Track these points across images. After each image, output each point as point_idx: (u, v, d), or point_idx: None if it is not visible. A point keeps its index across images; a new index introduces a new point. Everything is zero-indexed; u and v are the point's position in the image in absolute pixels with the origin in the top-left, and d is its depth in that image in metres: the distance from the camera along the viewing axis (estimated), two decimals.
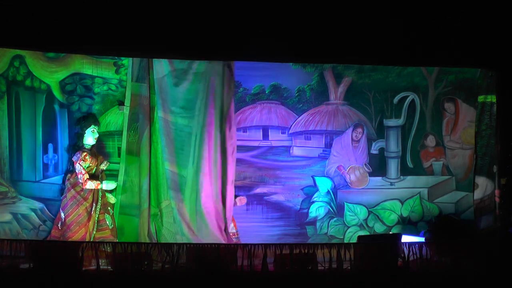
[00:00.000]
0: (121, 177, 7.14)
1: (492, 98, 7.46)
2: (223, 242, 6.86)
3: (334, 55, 6.79)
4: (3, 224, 6.95)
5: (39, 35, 6.26)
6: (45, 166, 7.20)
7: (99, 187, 6.76)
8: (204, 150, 7.04)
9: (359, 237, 6.95)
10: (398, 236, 6.78)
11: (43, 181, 7.19)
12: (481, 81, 7.57)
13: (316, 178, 7.61)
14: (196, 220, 7.00)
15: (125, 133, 7.19)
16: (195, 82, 7.11)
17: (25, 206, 7.06)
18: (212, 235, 6.93)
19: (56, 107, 7.21)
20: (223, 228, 7.01)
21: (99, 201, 6.79)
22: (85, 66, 7.22)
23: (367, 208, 7.59)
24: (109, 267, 6.15)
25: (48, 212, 7.08)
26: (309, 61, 7.32)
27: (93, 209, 6.74)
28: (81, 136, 6.86)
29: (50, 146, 7.20)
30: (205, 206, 7.00)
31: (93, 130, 6.89)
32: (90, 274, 6.09)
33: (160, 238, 7.15)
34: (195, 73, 7.10)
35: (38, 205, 7.09)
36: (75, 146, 6.85)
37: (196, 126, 7.08)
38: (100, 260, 6.15)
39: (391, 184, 7.66)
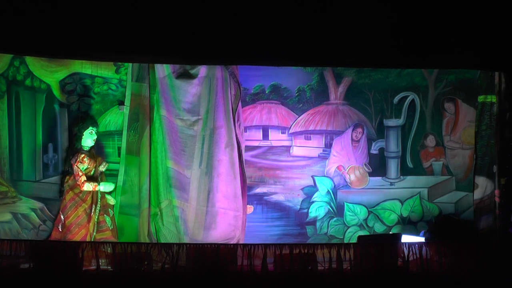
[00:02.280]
0: (121, 177, 7.14)
1: (492, 98, 7.45)
2: (235, 240, 6.97)
3: (334, 57, 6.77)
4: (3, 224, 6.96)
5: (39, 40, 6.26)
6: (45, 166, 7.20)
7: (96, 189, 6.77)
8: (217, 152, 7.09)
9: (359, 237, 6.95)
10: (398, 236, 6.79)
11: (43, 181, 7.19)
12: (481, 81, 7.56)
13: (316, 178, 7.61)
14: (206, 220, 7.05)
15: (125, 133, 7.20)
16: (198, 85, 7.14)
17: (25, 206, 7.07)
18: (222, 234, 7.01)
19: (56, 107, 7.21)
20: (239, 225, 7.08)
21: (99, 202, 6.80)
22: (85, 66, 7.22)
23: (367, 208, 7.59)
24: (109, 267, 6.16)
25: (48, 212, 7.09)
26: (309, 64, 7.30)
27: (93, 210, 6.75)
28: (79, 137, 6.86)
29: (50, 146, 7.20)
30: (222, 206, 7.07)
31: (91, 132, 6.90)
32: (90, 274, 6.10)
33: (160, 238, 7.15)
34: (197, 76, 7.14)
35: (38, 205, 7.10)
36: (73, 147, 6.85)
37: (204, 129, 7.13)
38: (100, 260, 6.16)
39: (391, 184, 7.66)
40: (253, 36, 6.37)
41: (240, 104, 7.27)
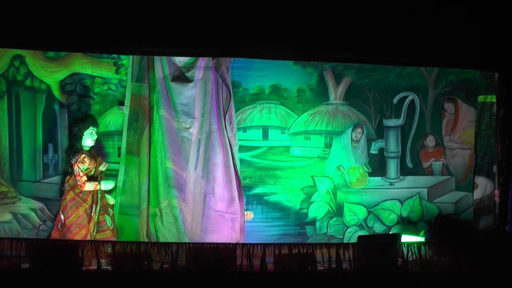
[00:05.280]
0: (120, 177, 7.15)
1: (492, 98, 7.46)
2: (233, 241, 6.94)
3: (333, 54, 6.77)
4: (3, 224, 6.98)
5: (38, 34, 6.27)
6: (45, 166, 7.21)
7: (97, 188, 6.76)
8: (212, 156, 7.10)
9: (359, 237, 6.95)
10: (397, 236, 6.78)
11: (43, 181, 7.21)
12: (481, 81, 7.57)
13: (316, 178, 7.61)
14: (202, 223, 7.05)
15: (125, 133, 7.20)
16: (193, 88, 7.14)
17: (25, 206, 7.09)
18: (219, 237, 6.99)
19: (56, 107, 7.22)
20: (237, 228, 7.08)
21: (99, 202, 6.79)
22: (85, 66, 7.23)
23: (367, 208, 7.59)
24: (109, 267, 6.16)
25: (48, 212, 7.10)
26: (307, 59, 7.29)
27: (93, 210, 6.74)
28: (79, 137, 6.85)
29: (50, 146, 7.21)
30: (218, 209, 7.07)
31: (92, 132, 6.88)
32: (90, 274, 6.10)
33: (160, 238, 7.15)
34: (193, 79, 7.13)
35: (38, 205, 7.11)
36: (74, 148, 6.84)
37: (201, 132, 7.13)
38: (100, 260, 6.16)
39: (391, 184, 7.66)
40: (250, 29, 6.38)
41: (233, 106, 7.24)
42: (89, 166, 6.80)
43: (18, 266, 6.10)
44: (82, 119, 6.94)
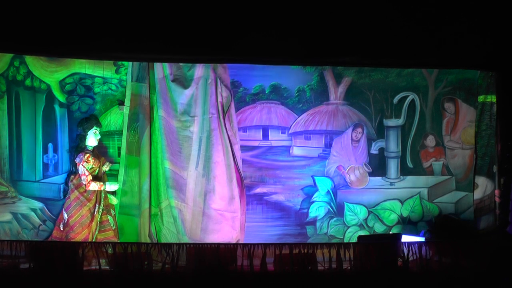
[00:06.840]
0: (121, 177, 7.15)
1: (492, 98, 7.47)
2: (233, 242, 6.92)
3: (333, 56, 6.78)
4: (3, 224, 6.98)
5: (39, 40, 6.28)
6: (45, 166, 7.21)
7: (102, 188, 6.78)
8: (213, 154, 7.09)
9: (359, 237, 6.95)
10: (398, 236, 6.79)
11: (43, 181, 7.21)
12: (481, 81, 7.58)
13: (316, 178, 7.61)
14: (202, 222, 7.04)
15: (125, 133, 7.20)
16: (193, 87, 7.14)
17: (25, 206, 7.09)
18: (219, 236, 6.99)
19: (56, 107, 7.22)
20: (238, 227, 7.08)
21: (102, 202, 6.82)
22: (85, 66, 7.23)
23: (367, 208, 7.59)
24: (109, 267, 6.16)
25: (48, 212, 7.10)
26: (306, 63, 7.30)
27: (96, 210, 6.76)
28: (83, 137, 6.88)
29: (50, 146, 7.21)
30: (218, 208, 7.06)
31: (95, 132, 6.91)
32: (90, 274, 6.10)
33: (161, 238, 7.16)
34: (192, 79, 7.13)
35: (38, 205, 7.12)
36: (78, 147, 6.86)
37: (201, 130, 7.13)
38: (100, 260, 6.16)
39: (391, 184, 7.66)
40: (250, 34, 6.39)
41: (233, 106, 7.26)
42: (93, 166, 6.82)
43: (18, 266, 6.10)
44: (86, 119, 6.98)
